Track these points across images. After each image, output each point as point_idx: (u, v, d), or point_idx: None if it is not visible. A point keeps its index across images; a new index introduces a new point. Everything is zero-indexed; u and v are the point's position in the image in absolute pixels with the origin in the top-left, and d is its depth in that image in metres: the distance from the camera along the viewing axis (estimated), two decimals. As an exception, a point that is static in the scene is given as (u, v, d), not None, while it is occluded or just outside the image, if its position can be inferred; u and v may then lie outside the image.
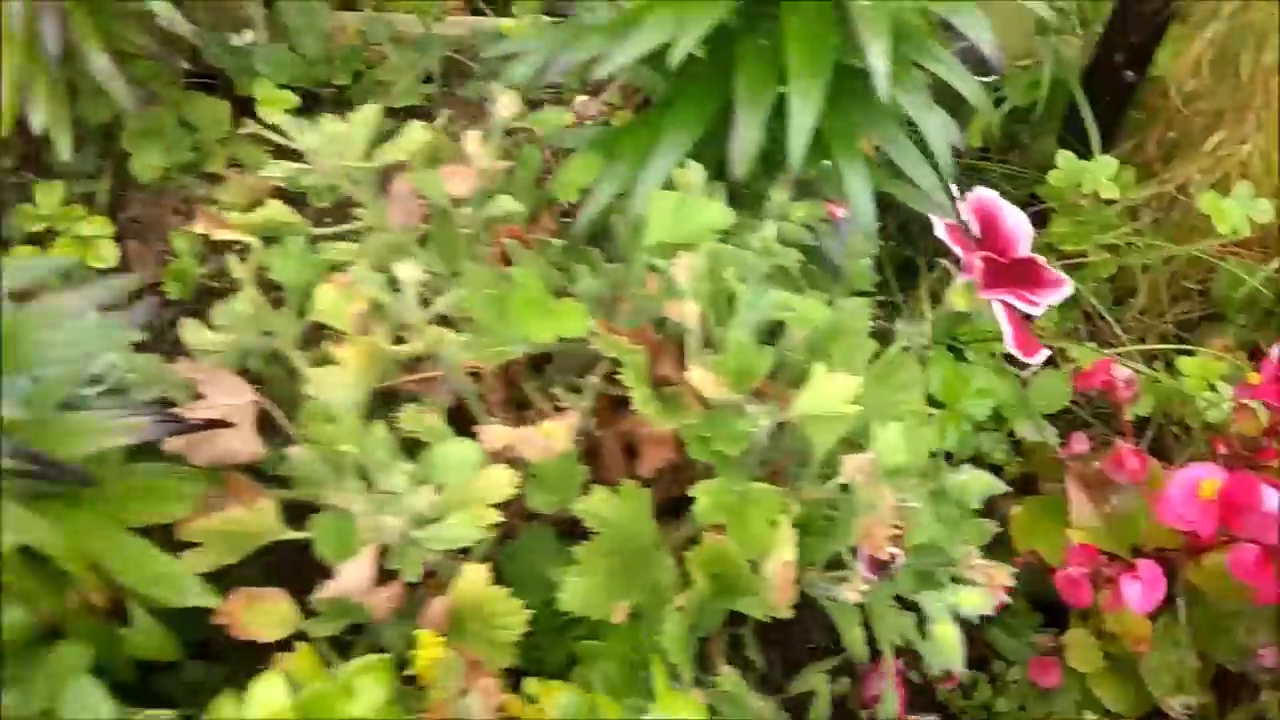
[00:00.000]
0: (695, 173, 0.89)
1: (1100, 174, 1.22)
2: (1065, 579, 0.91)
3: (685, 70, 0.90)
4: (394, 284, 0.82)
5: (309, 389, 0.77)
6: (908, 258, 1.27)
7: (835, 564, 0.81)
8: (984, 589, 0.74)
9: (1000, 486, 0.78)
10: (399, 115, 1.58)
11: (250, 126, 1.20)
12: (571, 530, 0.92)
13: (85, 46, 1.21)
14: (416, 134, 0.92)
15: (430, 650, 0.70)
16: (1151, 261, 1.25)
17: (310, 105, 1.56)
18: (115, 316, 0.76)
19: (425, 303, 0.80)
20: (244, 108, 1.53)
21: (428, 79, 1.59)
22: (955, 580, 0.78)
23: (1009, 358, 1.19)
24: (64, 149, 1.29)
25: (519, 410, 1.03)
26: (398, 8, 1.67)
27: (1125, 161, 1.30)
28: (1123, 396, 1.06)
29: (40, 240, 1.35)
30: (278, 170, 0.99)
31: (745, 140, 0.84)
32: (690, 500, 0.82)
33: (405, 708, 0.71)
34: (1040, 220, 1.36)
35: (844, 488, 0.78)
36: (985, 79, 1.12)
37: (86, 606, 0.73)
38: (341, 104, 1.60)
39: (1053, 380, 1.15)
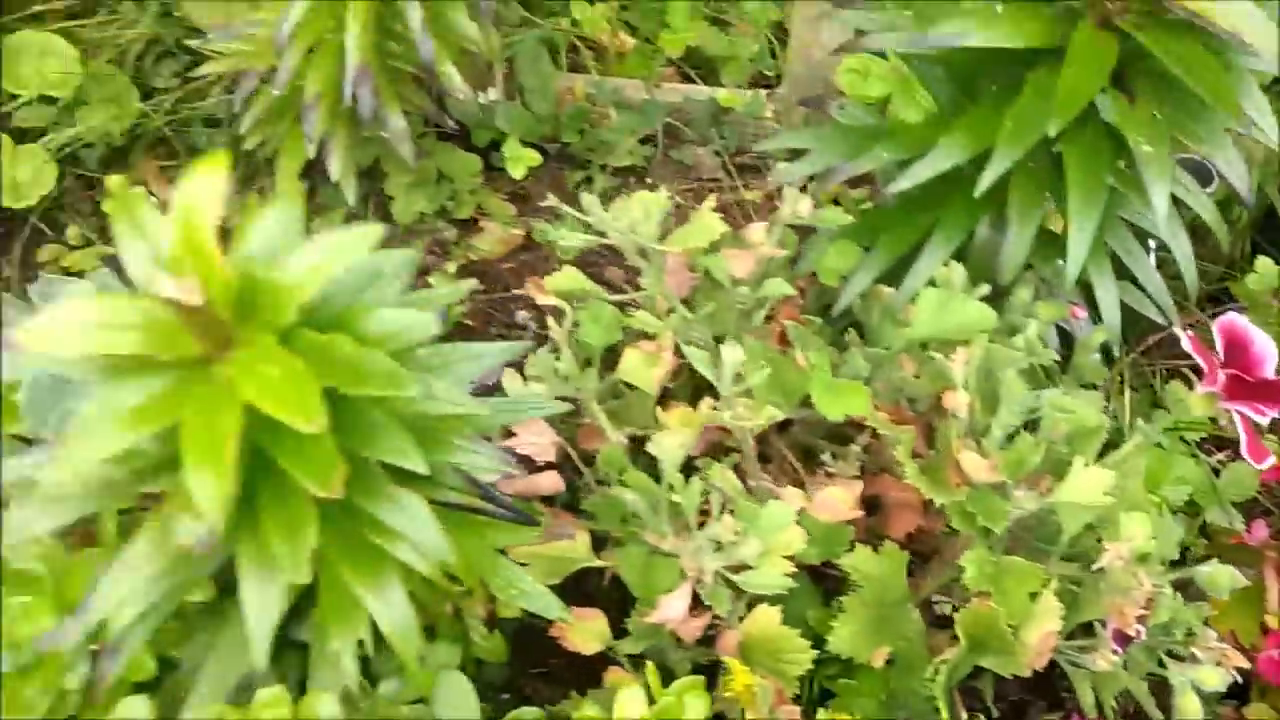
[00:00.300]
0: (958, 273, 1.02)
1: (1299, 280, 1.31)
2: (1267, 662, 1.01)
3: (947, 176, 1.03)
4: (715, 360, 0.95)
5: (650, 447, 0.91)
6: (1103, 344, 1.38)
7: (1076, 633, 0.92)
8: (1220, 668, 0.85)
9: (1242, 580, 0.89)
10: (619, 174, 1.74)
11: (559, 206, 1.35)
12: (815, 575, 1.06)
13: (385, 110, 1.38)
14: (715, 225, 1.05)
15: (742, 677, 0.84)
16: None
17: (540, 158, 1.72)
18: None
19: (738, 378, 0.94)
20: (482, 158, 1.70)
21: (645, 140, 1.75)
22: (1181, 656, 0.89)
23: (1199, 444, 1.30)
24: (349, 193, 1.48)
25: (763, 463, 1.16)
26: (620, 73, 1.83)
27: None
28: (1310, 491, 1.15)
29: (314, 270, 1.54)
30: (575, 241, 1.14)
31: (1014, 252, 0.97)
32: (920, 560, 0.95)
33: None
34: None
35: (1091, 568, 0.90)
36: (1208, 189, 1.23)
37: (456, 614, 0.88)
38: (565, 158, 1.76)
39: (1242, 470, 1.24)
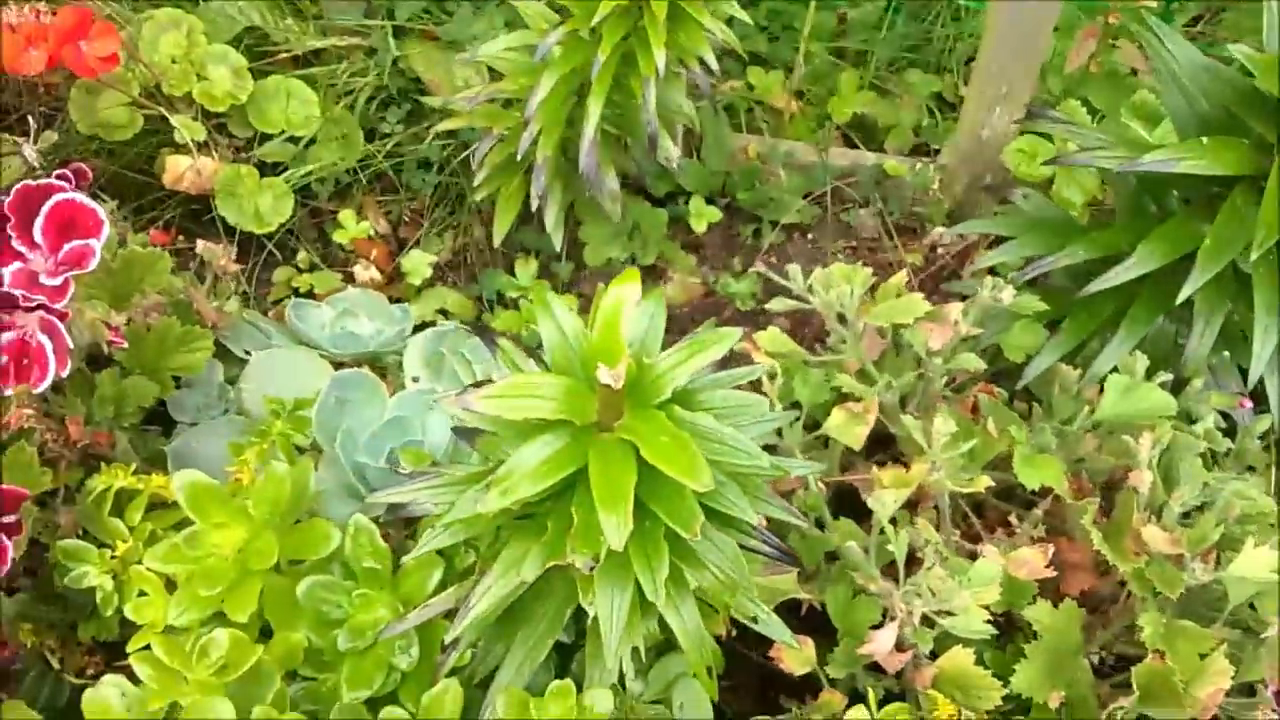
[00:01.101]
0: (1141, 362, 1.14)
1: None
2: None
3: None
4: (926, 429, 1.09)
5: (870, 501, 1.05)
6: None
7: (1235, 691, 1.03)
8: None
9: (1399, 657, 1.00)
10: (785, 230, 1.88)
11: (759, 266, 1.49)
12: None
13: (603, 171, 1.55)
14: (919, 304, 1.19)
15: (947, 708, 0.97)
16: None
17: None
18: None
19: (951, 444, 1.07)
20: (659, 205, 1.86)
21: (810, 199, 1.89)
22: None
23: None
24: (557, 241, 1.65)
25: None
26: (790, 136, 1.97)
27: None
28: None
29: (518, 306, 1.71)
30: (780, 306, 1.28)
31: (1199, 348, 1.09)
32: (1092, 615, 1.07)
33: (915, 743, 0.98)
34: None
35: (1248, 630, 1.01)
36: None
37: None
38: (735, 212, 1.91)
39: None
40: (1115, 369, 1.16)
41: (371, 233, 1.81)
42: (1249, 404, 1.19)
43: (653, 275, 1.77)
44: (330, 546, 0.93)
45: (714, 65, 1.40)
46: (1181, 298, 1.04)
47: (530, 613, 0.93)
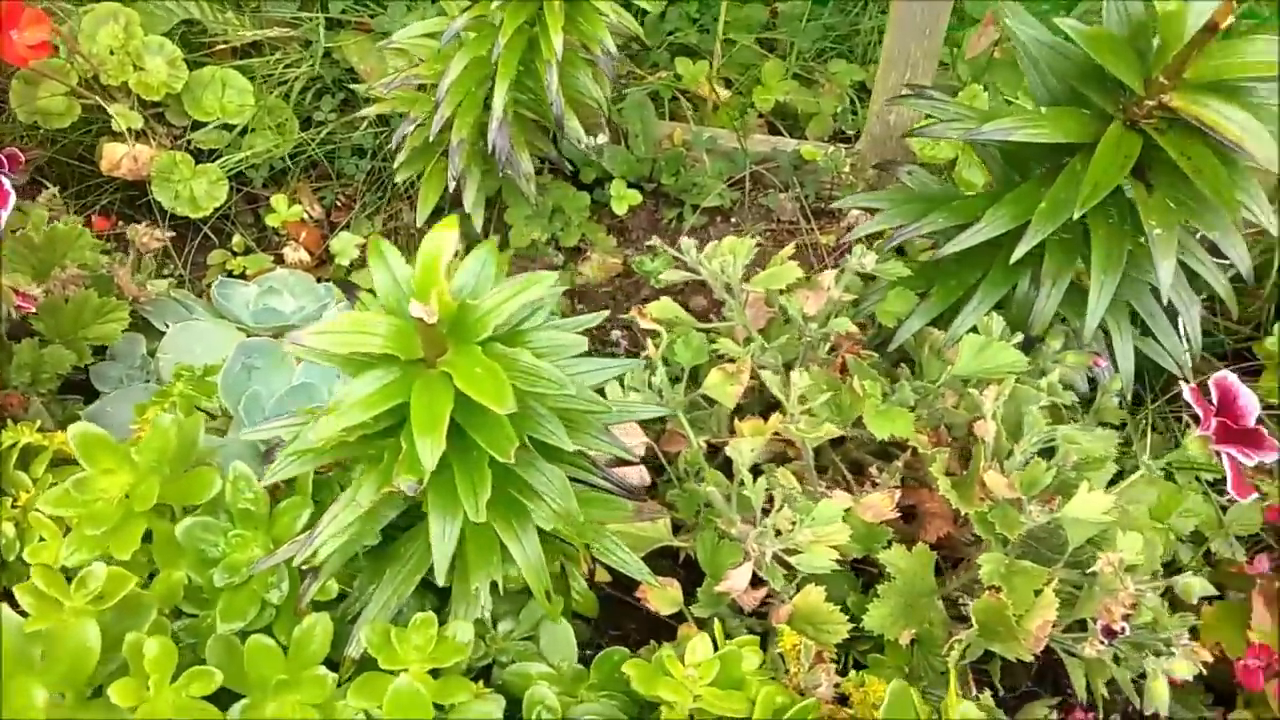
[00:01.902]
0: (996, 322, 1.21)
1: (1310, 345, 1.47)
2: (1244, 668, 1.18)
3: (994, 241, 1.22)
4: (785, 382, 1.16)
5: (729, 450, 1.12)
6: (1137, 393, 1.55)
7: (1072, 627, 1.11)
8: (1188, 660, 1.03)
9: (1211, 590, 1.07)
10: (708, 214, 1.96)
11: (655, 242, 1.57)
12: (853, 568, 1.25)
13: (517, 153, 1.62)
14: (792, 270, 1.26)
15: (791, 638, 1.04)
16: (1347, 423, 1.49)
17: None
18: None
19: (802, 399, 1.14)
20: (587, 191, 1.93)
21: (731, 184, 1.96)
22: (1160, 652, 1.07)
23: (1210, 484, 1.46)
24: (478, 222, 1.72)
25: (820, 473, 1.36)
26: (714, 122, 2.05)
27: (1334, 334, 1.55)
28: (1307, 532, 1.31)
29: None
30: (675, 275, 1.35)
31: (1045, 308, 1.16)
32: (950, 563, 1.14)
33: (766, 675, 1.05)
34: (1251, 371, 1.61)
35: (1087, 572, 1.08)
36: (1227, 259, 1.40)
37: (562, 572, 1.10)
38: (660, 196, 1.98)
39: (1248, 509, 1.41)
40: (975, 329, 1.23)
41: (305, 217, 1.88)
42: (1105, 363, 1.26)
43: (575, 256, 1.84)
44: (212, 491, 1.00)
45: (613, 50, 1.47)
46: (1015, 257, 1.11)
47: (399, 553, 0.99)
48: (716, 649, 1.01)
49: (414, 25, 1.51)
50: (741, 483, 1.11)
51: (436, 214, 1.86)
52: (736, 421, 1.15)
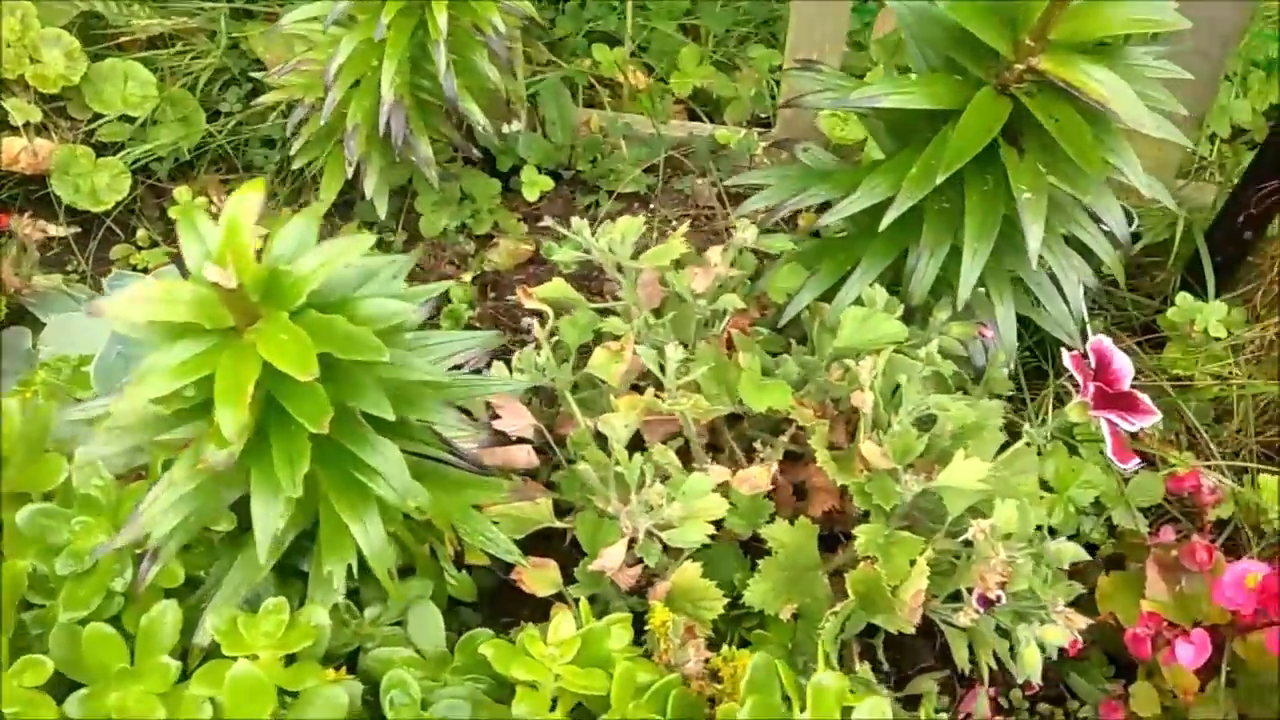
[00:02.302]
0: (880, 294, 1.20)
1: (1211, 316, 1.47)
2: (1133, 636, 1.17)
3: (879, 212, 1.20)
4: (661, 357, 1.14)
5: (598, 425, 1.10)
6: (1039, 365, 1.54)
7: (952, 598, 1.09)
8: (1062, 628, 1.02)
9: (1084, 555, 1.06)
10: (625, 200, 1.94)
11: (541, 221, 1.55)
12: (747, 548, 1.24)
13: (415, 138, 1.59)
14: (677, 246, 1.24)
15: (661, 615, 1.02)
16: (1247, 391, 1.49)
17: (555, 183, 1.93)
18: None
19: (679, 374, 1.13)
20: (503, 181, 1.91)
21: (649, 170, 1.94)
22: (1043, 620, 1.06)
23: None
24: (381, 209, 1.69)
25: (714, 452, 1.35)
26: (632, 109, 2.03)
27: (1236, 303, 1.55)
28: (1206, 500, 1.31)
29: (349, 275, 1.75)
30: (564, 255, 1.33)
31: (923, 278, 1.15)
32: (841, 539, 1.12)
33: (638, 653, 1.03)
34: (1158, 343, 1.61)
35: (967, 543, 1.07)
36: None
37: (432, 555, 1.08)
38: (578, 184, 1.97)
39: (1149, 480, 1.40)
40: (861, 302, 1.22)
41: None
42: (990, 333, 1.25)
43: (488, 243, 1.82)
44: (60, 478, 0.97)
45: (502, 29, 1.45)
46: (883, 225, 1.09)
47: (252, 537, 0.97)
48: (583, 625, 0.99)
49: (303, 8, 1.49)
50: (618, 460, 1.09)
51: (347, 205, 1.85)
52: (612, 398, 1.13)
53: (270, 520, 0.80)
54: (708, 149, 1.96)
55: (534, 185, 1.84)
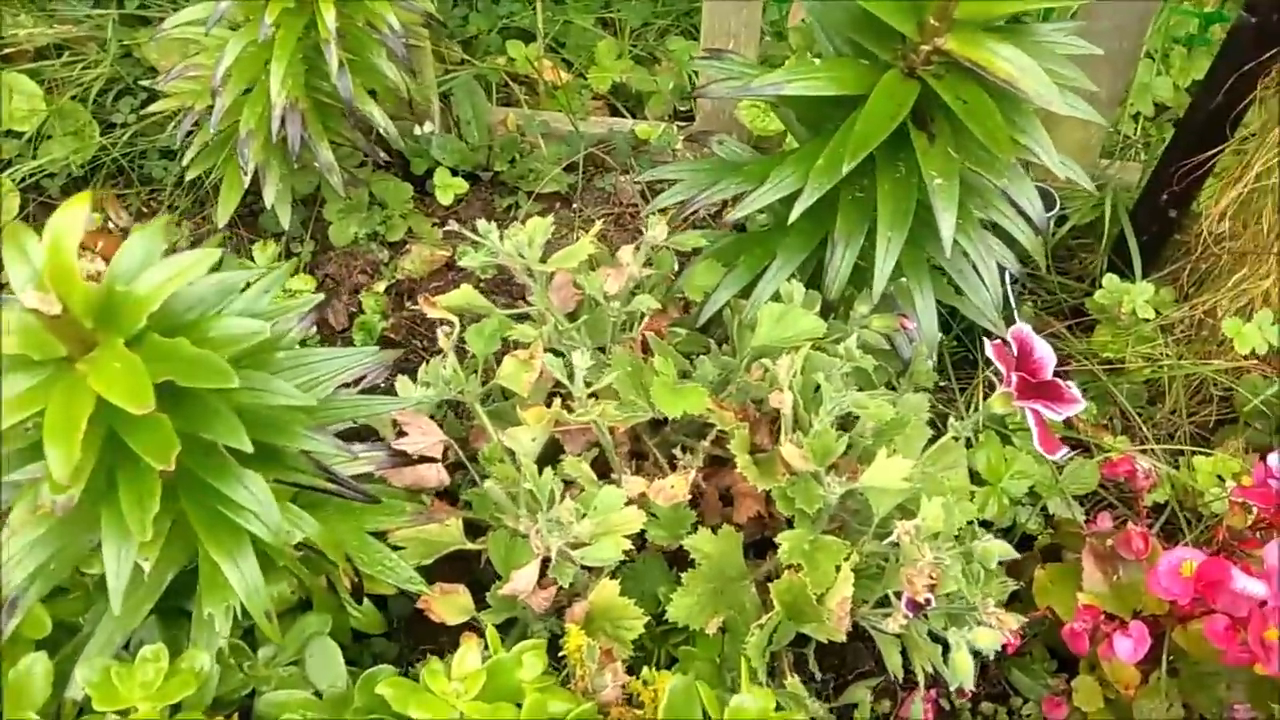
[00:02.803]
0: (796, 289, 1.15)
1: (1139, 296, 1.44)
2: (1070, 632, 1.13)
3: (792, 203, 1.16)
4: (567, 365, 1.08)
5: (504, 440, 1.04)
6: (967, 355, 1.51)
7: (882, 603, 1.05)
8: (995, 630, 0.97)
9: (1012, 553, 1.01)
10: (546, 200, 1.88)
11: (434, 218, 1.49)
12: (673, 560, 1.18)
13: (315, 142, 1.52)
14: (585, 247, 1.18)
15: (576, 639, 0.96)
16: (1179, 371, 1.47)
17: (473, 185, 1.87)
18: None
19: (588, 383, 1.07)
20: (418, 184, 1.84)
21: (570, 168, 1.88)
22: (977, 622, 1.01)
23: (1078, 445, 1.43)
24: (284, 218, 1.61)
25: (639, 460, 1.29)
26: (549, 106, 1.97)
27: (1164, 283, 1.52)
28: (1141, 485, 1.27)
29: (256, 289, 1.67)
30: (473, 261, 1.26)
31: (839, 270, 1.10)
32: (770, 544, 1.07)
33: (554, 677, 0.97)
34: (1088, 326, 1.58)
35: (894, 544, 1.02)
36: (1047, 212, 1.36)
37: (330, 588, 1.01)
38: (497, 185, 1.90)
39: (1083, 467, 1.37)
40: (778, 297, 1.17)
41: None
42: (912, 325, 1.21)
43: (400, 250, 1.75)
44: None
45: (396, 26, 1.38)
46: (792, 218, 1.05)
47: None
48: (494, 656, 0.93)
49: (186, 10, 1.41)
50: (528, 476, 1.03)
51: (253, 216, 1.77)
52: (519, 410, 1.07)
53: (122, 566, 0.73)
54: (629, 145, 1.90)
55: (448, 188, 1.77)
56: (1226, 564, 1.06)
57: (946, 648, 1.01)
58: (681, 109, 1.99)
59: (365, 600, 1.05)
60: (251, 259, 1.69)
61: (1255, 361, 1.44)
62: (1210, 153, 1.35)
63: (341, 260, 1.73)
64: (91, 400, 0.64)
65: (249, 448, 0.69)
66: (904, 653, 1.09)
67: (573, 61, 2.07)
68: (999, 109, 1.02)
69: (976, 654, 0.97)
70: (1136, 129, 1.90)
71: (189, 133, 1.52)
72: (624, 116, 1.99)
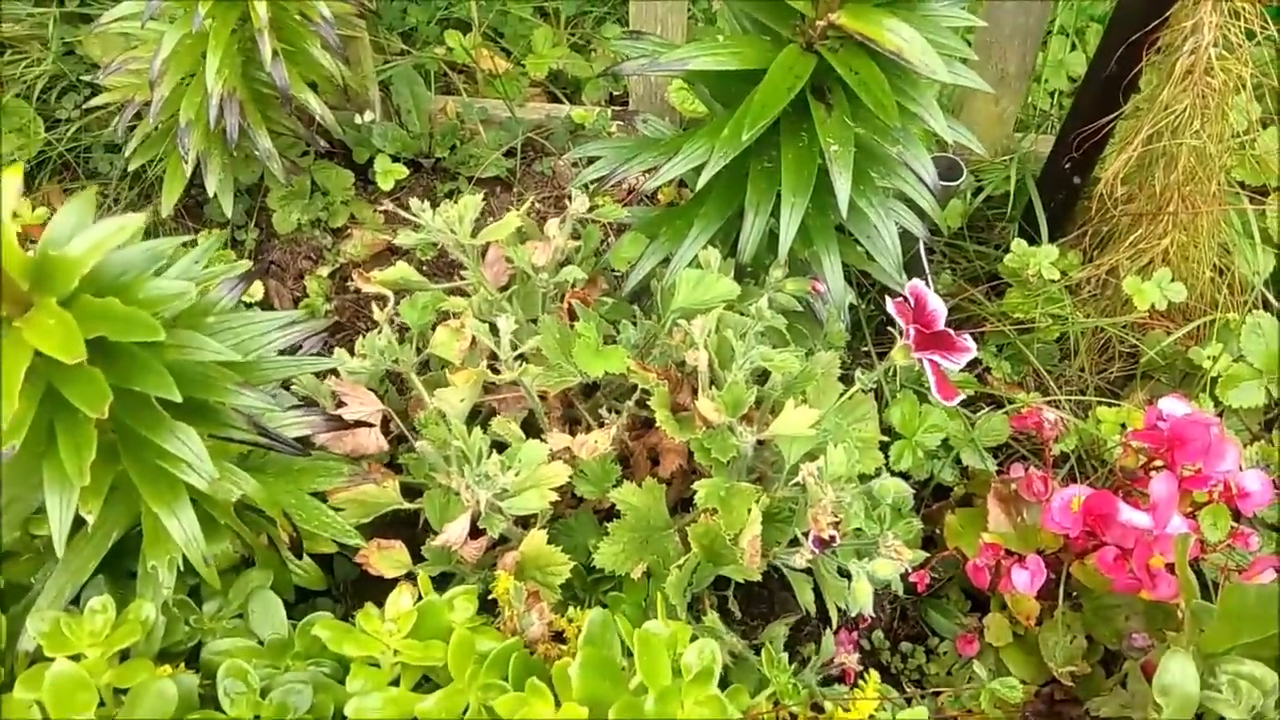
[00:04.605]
0: (713, 255, 1.22)
1: (1044, 258, 1.52)
2: (973, 567, 1.21)
3: (712, 176, 1.22)
4: (493, 330, 1.14)
5: (434, 402, 1.10)
6: (885, 320, 1.58)
7: (795, 544, 1.12)
8: (893, 561, 1.05)
9: (907, 490, 1.09)
10: (486, 185, 1.93)
11: (379, 203, 1.55)
12: (606, 514, 1.25)
13: (254, 130, 1.57)
14: (512, 221, 1.24)
15: (505, 582, 1.02)
16: (1085, 329, 1.55)
17: (415, 172, 1.92)
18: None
19: (514, 345, 1.13)
20: (361, 172, 1.89)
21: (510, 154, 1.94)
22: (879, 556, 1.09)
23: (965, 401, 1.50)
24: (227, 207, 1.66)
25: (572, 424, 1.35)
26: (488, 93, 2.02)
27: (1071, 246, 1.61)
28: (1048, 435, 1.35)
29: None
30: (407, 239, 1.32)
31: (751, 235, 1.17)
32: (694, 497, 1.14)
33: (486, 620, 1.04)
34: (1002, 291, 1.66)
35: (802, 488, 1.09)
36: (954, 181, 1.44)
37: (271, 545, 1.07)
38: (439, 172, 1.96)
39: (995, 420, 1.45)
40: (698, 264, 1.24)
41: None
42: (823, 287, 1.28)
43: (342, 236, 1.80)
44: None
45: (328, 15, 1.43)
46: (698, 187, 1.11)
47: (74, 539, 0.95)
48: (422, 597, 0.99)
49: (122, 5, 1.45)
50: (458, 435, 1.09)
51: (198, 205, 1.81)
52: (448, 373, 1.13)
53: (64, 514, 0.78)
54: (566, 130, 1.97)
55: (388, 174, 1.82)
56: (1112, 497, 1.14)
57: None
58: (617, 94, 2.05)
59: (306, 557, 1.11)
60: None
61: (1157, 317, 1.53)
62: (1106, 119, 1.43)
63: (286, 247, 1.78)
64: (28, 355, 0.69)
65: (177, 396, 0.75)
66: (818, 592, 1.16)
67: (511, 50, 2.13)
68: (890, 80, 1.09)
69: (891, 594, 1.05)
70: (1052, 103, 1.99)
71: (131, 125, 1.56)
72: (561, 103, 2.05)
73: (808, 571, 1.14)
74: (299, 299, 1.71)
